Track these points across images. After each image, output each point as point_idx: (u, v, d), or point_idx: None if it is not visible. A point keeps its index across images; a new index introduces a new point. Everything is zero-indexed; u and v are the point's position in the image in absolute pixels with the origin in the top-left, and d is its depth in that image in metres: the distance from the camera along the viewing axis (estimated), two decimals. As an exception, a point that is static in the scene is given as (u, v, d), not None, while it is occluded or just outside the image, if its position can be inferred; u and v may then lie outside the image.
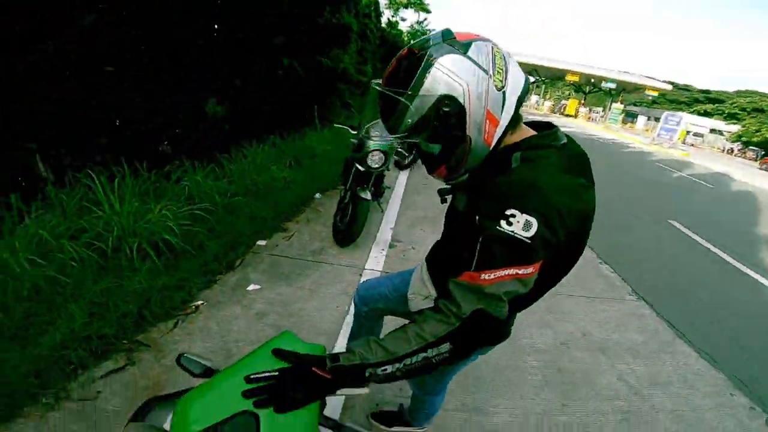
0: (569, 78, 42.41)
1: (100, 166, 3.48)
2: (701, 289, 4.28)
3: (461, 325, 0.84)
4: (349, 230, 3.54)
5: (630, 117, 37.72)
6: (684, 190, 11.27)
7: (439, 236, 1.30)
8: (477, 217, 0.83)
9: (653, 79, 41.69)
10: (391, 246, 3.87)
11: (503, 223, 0.77)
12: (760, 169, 27.76)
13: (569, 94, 55.62)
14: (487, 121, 0.85)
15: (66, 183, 3.40)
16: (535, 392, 2.35)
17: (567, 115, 45.16)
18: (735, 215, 9.00)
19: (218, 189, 4.06)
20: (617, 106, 37.03)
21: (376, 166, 3.50)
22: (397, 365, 0.88)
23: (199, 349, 2.32)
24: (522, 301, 0.92)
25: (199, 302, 2.74)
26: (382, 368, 0.89)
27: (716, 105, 49.60)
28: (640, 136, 27.65)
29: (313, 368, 0.89)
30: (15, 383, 1.87)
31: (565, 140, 0.94)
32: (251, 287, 2.93)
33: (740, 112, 43.30)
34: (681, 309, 3.67)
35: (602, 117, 36.74)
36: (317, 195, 4.97)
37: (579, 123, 35.37)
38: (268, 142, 6.15)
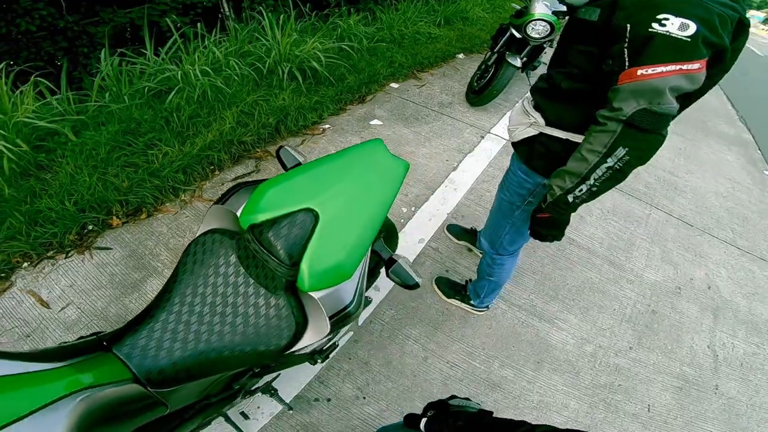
0: None
1: (271, 8, 3.73)
2: None
3: (625, 126, 0.85)
4: (484, 91, 3.11)
5: None
6: None
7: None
8: (627, 25, 0.82)
9: None
10: None
11: (655, 24, 0.78)
12: None
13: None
14: None
15: (243, 20, 3.71)
16: (612, 324, 1.97)
17: None
18: None
19: (366, 33, 3.96)
20: None
21: (537, 35, 2.87)
22: (588, 183, 0.94)
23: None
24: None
25: (326, 126, 2.84)
26: (578, 189, 0.96)
27: None
28: None
29: (537, 215, 1.09)
30: (167, 176, 2.17)
31: None
32: (373, 122, 2.91)
33: None
34: None
35: None
36: (460, 55, 4.45)
37: None
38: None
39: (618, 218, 2.57)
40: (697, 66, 0.78)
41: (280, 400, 1.21)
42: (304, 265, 0.79)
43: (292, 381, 1.43)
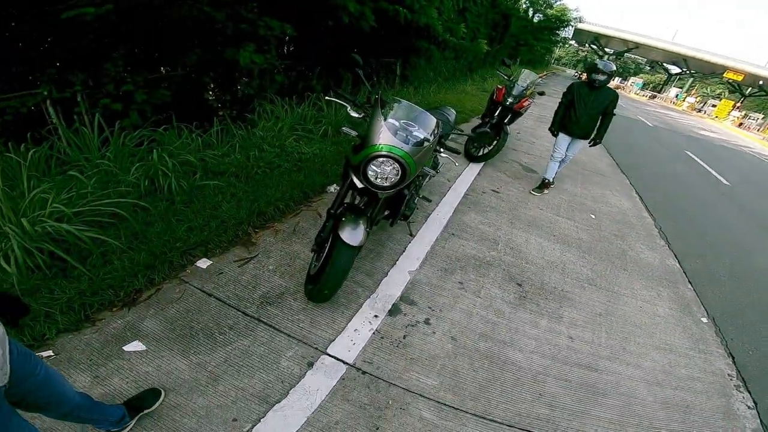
0: (729, 75, 33.42)
1: None
2: None
3: None
4: (317, 281, 2.10)
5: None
6: None
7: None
8: None
9: None
10: (391, 312, 2.35)
11: None
12: None
13: (721, 94, 44.55)
14: None
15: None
16: None
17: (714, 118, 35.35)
18: None
19: (181, 168, 2.97)
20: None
21: (384, 183, 1.94)
22: None
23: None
24: None
25: (47, 353, 1.71)
26: None
27: None
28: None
29: None
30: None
31: None
32: (131, 346, 1.80)
33: None
34: None
35: (761, 126, 27.99)
36: (332, 187, 3.58)
37: (726, 129, 27.36)
38: (309, 101, 4.94)
39: None
40: None
41: None
42: None
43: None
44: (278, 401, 1.73)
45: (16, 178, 2.37)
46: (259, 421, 1.63)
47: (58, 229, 2.07)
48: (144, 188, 2.73)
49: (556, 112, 4.33)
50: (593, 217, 4.39)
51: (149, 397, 1.59)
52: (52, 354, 1.72)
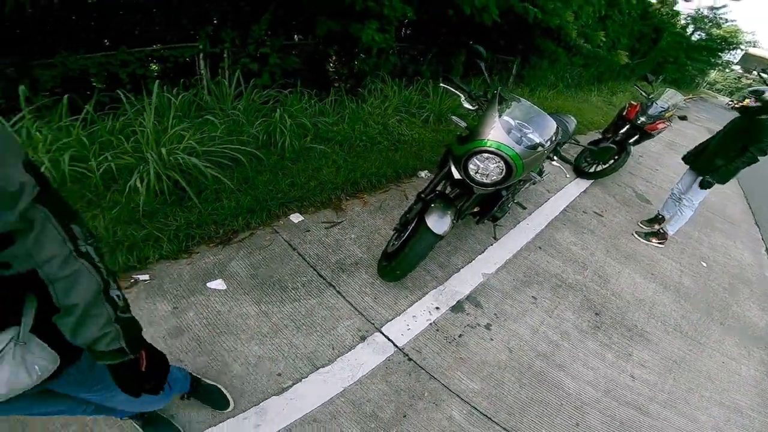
0: None
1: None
2: None
3: None
4: (392, 260, 2.10)
5: None
6: None
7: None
8: None
9: None
10: (454, 308, 2.27)
11: None
12: None
13: None
14: None
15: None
16: None
17: None
18: None
19: (296, 129, 3.20)
20: None
21: (483, 179, 1.83)
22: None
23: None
24: None
25: (144, 276, 1.97)
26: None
27: None
28: None
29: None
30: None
31: None
32: (214, 284, 2.01)
33: None
34: None
35: None
36: (423, 173, 3.53)
37: None
38: (417, 85, 4.89)
39: None
40: None
41: None
42: None
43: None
44: (323, 366, 1.79)
45: (164, 115, 2.75)
46: (301, 380, 1.70)
47: (188, 162, 2.38)
48: (261, 141, 3.01)
49: (702, 142, 3.48)
50: (704, 264, 3.69)
51: (217, 398, 1.53)
52: (148, 278, 1.97)
